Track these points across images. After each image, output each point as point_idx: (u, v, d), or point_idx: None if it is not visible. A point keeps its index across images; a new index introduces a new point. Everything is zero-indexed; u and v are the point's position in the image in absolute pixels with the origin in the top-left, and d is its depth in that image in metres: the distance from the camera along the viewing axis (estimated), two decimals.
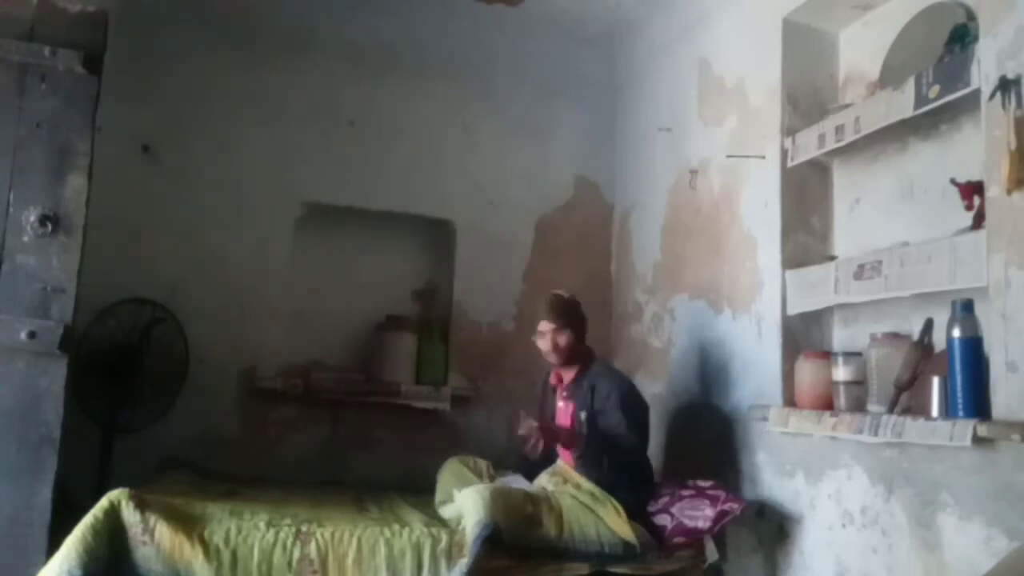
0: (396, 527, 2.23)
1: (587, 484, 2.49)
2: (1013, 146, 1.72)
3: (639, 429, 2.58)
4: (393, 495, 2.83)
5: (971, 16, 2.07)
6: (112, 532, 2.01)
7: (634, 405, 2.61)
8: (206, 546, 2.04)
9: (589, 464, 2.52)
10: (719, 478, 2.59)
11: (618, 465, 2.49)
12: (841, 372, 2.28)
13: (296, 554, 2.09)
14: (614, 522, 2.36)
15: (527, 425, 2.48)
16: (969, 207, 1.99)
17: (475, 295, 3.68)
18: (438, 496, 2.70)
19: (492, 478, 2.76)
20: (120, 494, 2.06)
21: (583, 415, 2.61)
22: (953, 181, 2.06)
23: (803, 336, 2.56)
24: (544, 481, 2.65)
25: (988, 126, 1.83)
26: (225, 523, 2.12)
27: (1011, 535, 1.73)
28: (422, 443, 3.37)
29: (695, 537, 2.40)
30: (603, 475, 2.48)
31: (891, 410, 2.07)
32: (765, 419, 2.50)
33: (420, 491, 2.82)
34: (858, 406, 2.23)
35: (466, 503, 2.29)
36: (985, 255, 1.81)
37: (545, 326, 2.70)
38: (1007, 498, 1.75)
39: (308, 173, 3.50)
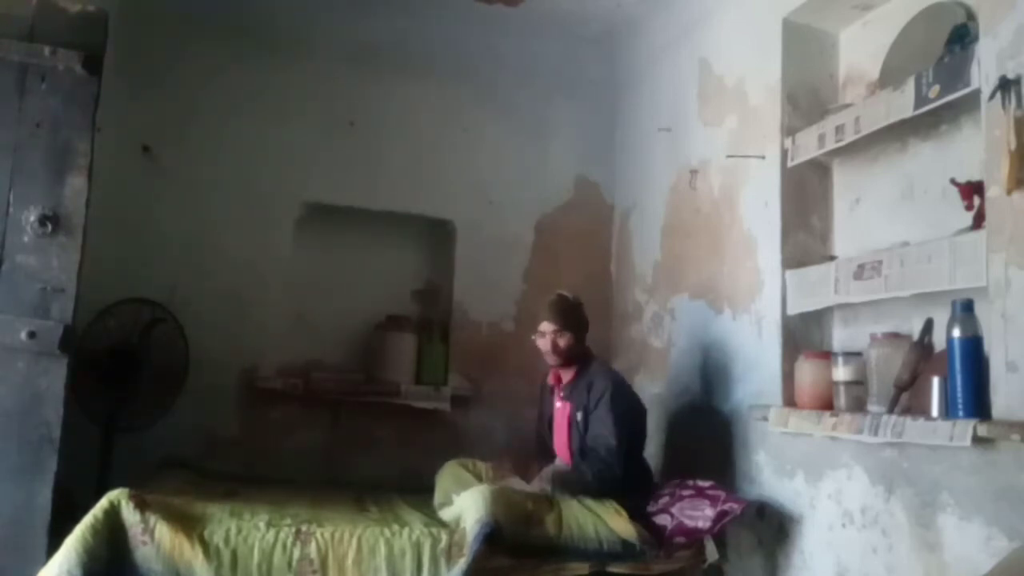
0: (396, 527, 2.23)
1: None
2: (1013, 146, 1.72)
3: (628, 430, 2.55)
4: (393, 495, 2.83)
5: (971, 16, 2.07)
6: (112, 532, 2.01)
7: (624, 405, 2.60)
8: (206, 546, 2.04)
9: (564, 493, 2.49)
10: (719, 478, 2.59)
11: (598, 484, 2.47)
12: (841, 372, 2.28)
13: (296, 554, 2.08)
14: (614, 521, 2.37)
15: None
16: (969, 207, 1.99)
17: (475, 295, 3.68)
18: (437, 498, 2.70)
19: (491, 481, 2.76)
20: (120, 494, 2.06)
21: (580, 415, 2.62)
22: (953, 181, 2.06)
23: (803, 336, 2.56)
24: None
25: (988, 126, 1.83)
26: (225, 523, 2.12)
27: (1011, 535, 1.73)
28: (422, 443, 3.37)
29: (695, 537, 2.40)
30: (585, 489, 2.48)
31: (891, 410, 2.07)
32: (765, 419, 2.50)
33: (420, 491, 2.82)
34: (858, 406, 2.23)
35: (466, 502, 2.30)
36: (985, 255, 1.81)
37: (546, 327, 2.71)
38: (1007, 498, 1.75)
39: (308, 173, 3.50)
